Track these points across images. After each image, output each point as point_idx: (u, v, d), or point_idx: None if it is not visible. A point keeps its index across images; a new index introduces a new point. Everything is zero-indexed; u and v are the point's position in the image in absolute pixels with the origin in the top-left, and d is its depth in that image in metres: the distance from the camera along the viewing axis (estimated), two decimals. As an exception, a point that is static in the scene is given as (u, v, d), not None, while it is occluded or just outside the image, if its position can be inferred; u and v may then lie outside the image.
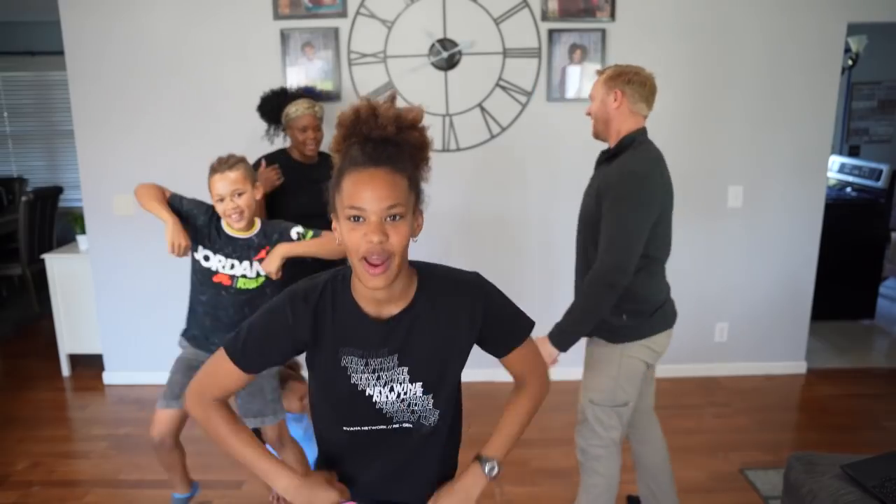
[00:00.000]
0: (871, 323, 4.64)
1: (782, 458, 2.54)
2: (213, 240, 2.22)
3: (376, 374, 1.24)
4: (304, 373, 3.20)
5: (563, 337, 1.97)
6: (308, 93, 3.07)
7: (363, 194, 1.10)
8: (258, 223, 2.28)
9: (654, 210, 1.94)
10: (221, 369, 1.25)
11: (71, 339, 3.94)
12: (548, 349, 1.96)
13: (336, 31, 3.41)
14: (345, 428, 1.29)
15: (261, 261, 2.25)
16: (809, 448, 2.88)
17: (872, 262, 4.56)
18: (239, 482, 2.74)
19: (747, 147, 3.57)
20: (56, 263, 3.90)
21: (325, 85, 3.43)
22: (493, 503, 2.67)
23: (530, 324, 1.33)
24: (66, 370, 3.98)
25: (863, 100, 6.33)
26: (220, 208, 2.16)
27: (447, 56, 3.42)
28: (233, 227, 2.22)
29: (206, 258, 2.23)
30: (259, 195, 2.23)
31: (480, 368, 1.38)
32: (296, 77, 3.43)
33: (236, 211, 2.14)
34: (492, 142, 3.54)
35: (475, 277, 1.29)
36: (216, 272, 2.23)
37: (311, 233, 2.25)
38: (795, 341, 3.83)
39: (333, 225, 1.19)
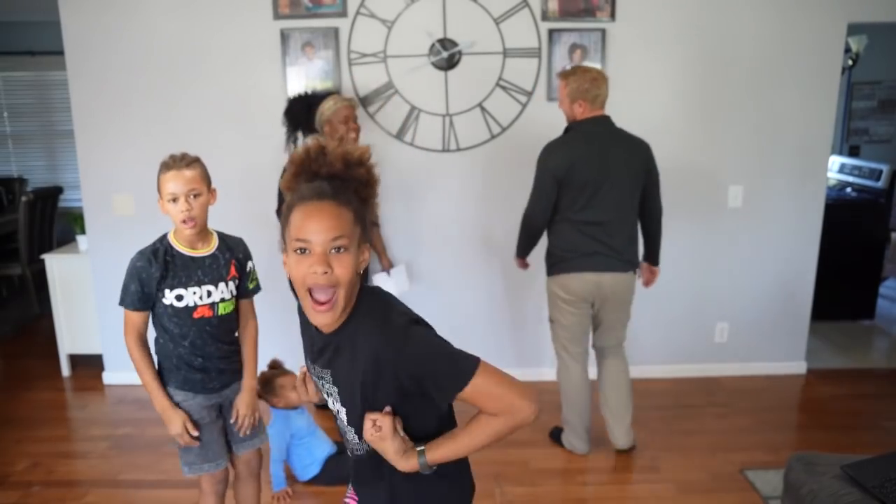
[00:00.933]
0: (871, 323, 4.64)
1: (782, 458, 2.54)
2: (177, 273, 1.94)
3: (321, 382, 1.33)
4: (294, 368, 3.19)
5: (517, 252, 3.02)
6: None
7: (309, 226, 1.15)
8: (215, 236, 2.04)
9: (547, 177, 2.71)
10: None
11: (71, 339, 3.94)
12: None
13: (336, 30, 3.41)
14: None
15: (234, 278, 2.03)
16: (809, 448, 2.87)
17: (872, 262, 4.56)
18: (239, 482, 2.73)
19: (747, 147, 3.57)
20: (56, 263, 3.90)
21: (325, 85, 3.43)
22: (494, 503, 2.67)
23: (470, 365, 1.17)
24: (65, 370, 3.98)
25: (863, 100, 6.33)
26: (172, 211, 1.90)
27: (447, 56, 3.42)
28: (183, 243, 1.96)
29: (180, 297, 1.95)
30: (213, 201, 1.99)
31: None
32: (296, 77, 3.43)
33: (190, 215, 1.89)
34: (492, 142, 3.53)
35: (403, 325, 1.19)
36: (195, 307, 1.97)
37: (255, 281, 2.12)
38: (795, 341, 3.83)
39: (284, 258, 1.22)
